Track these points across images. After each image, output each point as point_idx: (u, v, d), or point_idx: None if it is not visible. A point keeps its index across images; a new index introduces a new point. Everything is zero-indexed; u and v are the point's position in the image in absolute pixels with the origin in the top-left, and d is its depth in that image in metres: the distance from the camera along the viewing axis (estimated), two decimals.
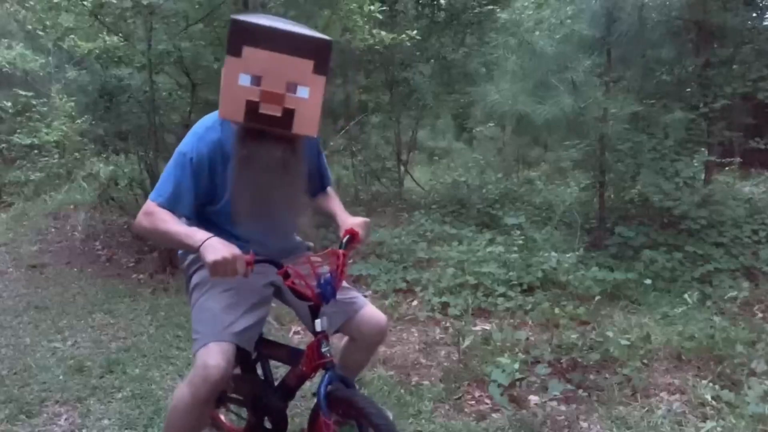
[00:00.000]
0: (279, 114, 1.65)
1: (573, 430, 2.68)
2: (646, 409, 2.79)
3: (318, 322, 1.86)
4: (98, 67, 5.84)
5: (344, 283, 1.96)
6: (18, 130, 8.26)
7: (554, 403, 2.87)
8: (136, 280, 5.26)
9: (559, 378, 3.07)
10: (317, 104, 1.68)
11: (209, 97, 6.62)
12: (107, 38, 5.50)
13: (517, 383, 3.02)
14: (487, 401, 2.93)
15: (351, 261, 4.84)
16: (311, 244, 2.24)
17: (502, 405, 2.85)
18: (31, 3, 6.13)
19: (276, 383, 2.20)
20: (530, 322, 3.83)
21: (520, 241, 4.89)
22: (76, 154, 6.62)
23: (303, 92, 1.66)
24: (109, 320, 4.26)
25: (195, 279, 2.02)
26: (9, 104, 8.93)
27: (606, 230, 5.30)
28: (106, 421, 2.82)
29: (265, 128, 1.68)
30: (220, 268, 1.64)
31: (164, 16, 5.37)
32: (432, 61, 7.84)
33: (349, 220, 2.01)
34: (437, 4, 8.17)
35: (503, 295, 4.17)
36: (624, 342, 3.25)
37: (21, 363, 3.50)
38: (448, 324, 3.89)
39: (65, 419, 2.86)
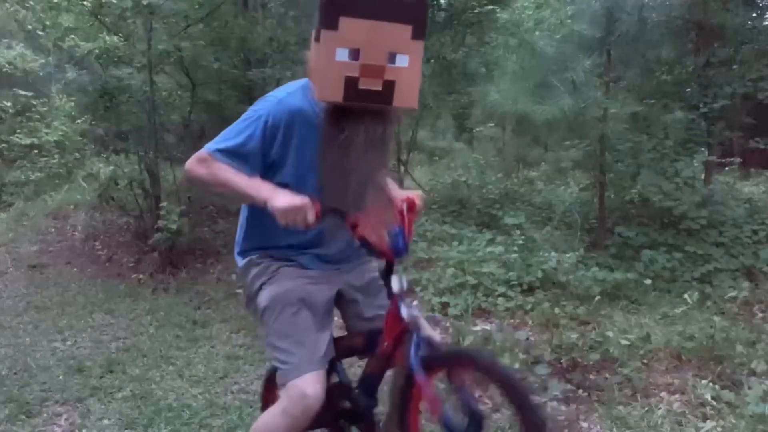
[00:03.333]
0: (380, 88, 1.51)
1: (573, 430, 2.68)
2: (646, 409, 2.79)
3: (394, 279, 1.66)
4: (98, 67, 5.84)
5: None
6: (18, 130, 8.26)
7: (554, 403, 2.87)
8: (136, 280, 5.25)
9: (559, 378, 3.07)
10: (417, 73, 1.55)
11: (209, 97, 6.63)
12: (107, 38, 5.51)
13: None
14: (487, 401, 2.93)
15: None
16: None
17: (502, 405, 2.85)
18: (31, 3, 6.14)
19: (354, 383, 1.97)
20: (530, 322, 3.82)
21: (520, 241, 4.89)
22: (76, 154, 6.62)
23: (403, 61, 1.51)
24: (109, 320, 4.26)
25: (263, 300, 1.85)
26: (9, 104, 8.93)
27: (606, 230, 5.30)
28: (106, 421, 2.81)
29: (365, 105, 1.54)
30: (291, 214, 1.55)
31: (164, 16, 5.38)
32: (432, 61, 7.83)
33: (404, 192, 1.89)
34: (437, 4, 8.14)
35: (503, 295, 4.16)
36: (624, 342, 3.25)
37: (21, 363, 3.50)
38: (448, 324, 3.89)
39: (65, 419, 2.86)
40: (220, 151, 1.66)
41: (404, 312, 1.65)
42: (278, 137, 1.67)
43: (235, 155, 1.66)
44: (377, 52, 1.49)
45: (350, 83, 1.49)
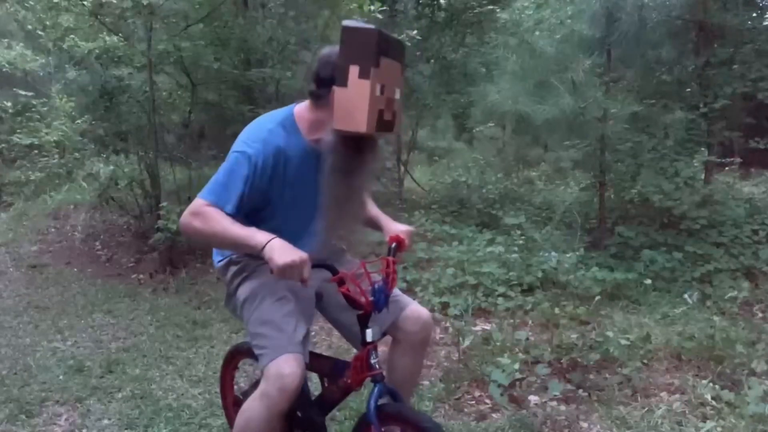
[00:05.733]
0: (392, 118, 1.73)
1: (573, 430, 2.68)
2: (646, 409, 2.79)
3: (368, 331, 1.80)
4: (98, 67, 5.84)
5: None
6: (18, 130, 8.25)
7: (554, 403, 2.87)
8: (136, 280, 5.26)
9: (559, 378, 3.07)
10: (401, 103, 1.79)
11: (209, 97, 6.63)
12: (107, 38, 5.51)
13: (517, 383, 3.02)
14: (487, 401, 2.93)
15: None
16: (343, 246, 2.16)
17: (502, 405, 2.85)
18: (31, 3, 6.14)
19: (314, 396, 2.11)
20: (530, 322, 3.83)
21: (520, 241, 4.89)
22: (76, 154, 6.61)
23: (398, 94, 1.76)
24: (109, 320, 4.26)
25: (242, 293, 1.93)
26: (9, 104, 8.93)
27: (606, 230, 5.30)
28: (106, 421, 2.82)
29: (381, 134, 1.73)
30: (288, 271, 1.60)
31: (164, 16, 5.38)
32: (432, 61, 7.83)
33: (394, 227, 2.02)
34: (437, 4, 8.14)
35: (503, 295, 4.16)
36: (624, 342, 3.25)
37: (21, 363, 3.50)
38: (448, 324, 3.89)
39: (65, 419, 2.86)
40: (213, 199, 1.73)
41: (373, 361, 1.80)
42: (267, 177, 1.77)
43: (230, 203, 1.73)
44: (393, 86, 1.72)
45: (379, 115, 1.69)
